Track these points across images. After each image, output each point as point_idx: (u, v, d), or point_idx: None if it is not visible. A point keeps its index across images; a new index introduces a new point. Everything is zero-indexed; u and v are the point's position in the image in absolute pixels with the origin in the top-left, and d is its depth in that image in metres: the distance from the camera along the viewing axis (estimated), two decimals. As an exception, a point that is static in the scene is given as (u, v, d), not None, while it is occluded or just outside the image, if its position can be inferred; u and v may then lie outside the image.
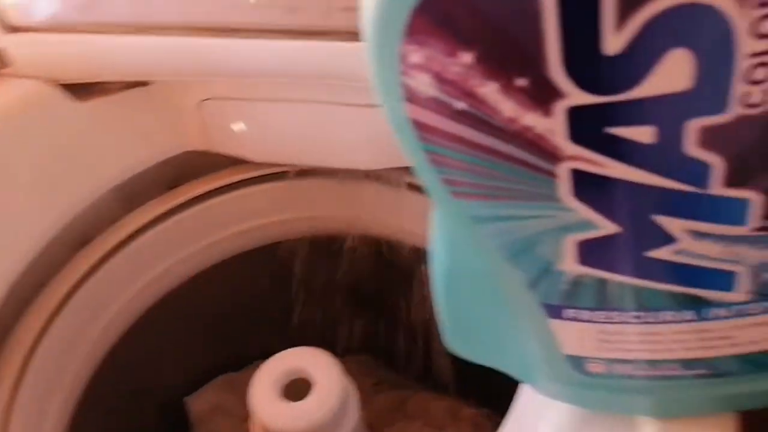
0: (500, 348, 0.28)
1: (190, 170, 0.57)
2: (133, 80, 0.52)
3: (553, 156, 0.18)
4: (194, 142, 0.55)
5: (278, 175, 0.57)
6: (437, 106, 0.18)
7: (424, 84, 0.18)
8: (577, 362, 0.25)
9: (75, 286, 0.52)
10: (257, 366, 0.56)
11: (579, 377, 0.26)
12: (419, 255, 0.60)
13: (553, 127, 0.17)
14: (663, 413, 0.27)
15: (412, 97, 0.18)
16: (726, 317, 0.22)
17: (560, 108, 0.17)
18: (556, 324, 0.24)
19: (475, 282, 0.25)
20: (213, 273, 0.60)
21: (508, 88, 0.17)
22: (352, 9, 0.43)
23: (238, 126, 0.54)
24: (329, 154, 0.54)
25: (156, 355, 0.61)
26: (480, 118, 0.18)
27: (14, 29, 0.49)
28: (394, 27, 0.17)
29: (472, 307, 0.27)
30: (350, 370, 0.54)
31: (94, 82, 0.50)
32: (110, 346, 0.55)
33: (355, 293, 0.65)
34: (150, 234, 0.55)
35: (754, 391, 0.25)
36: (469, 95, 0.17)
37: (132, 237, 0.54)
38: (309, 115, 0.52)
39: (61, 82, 0.50)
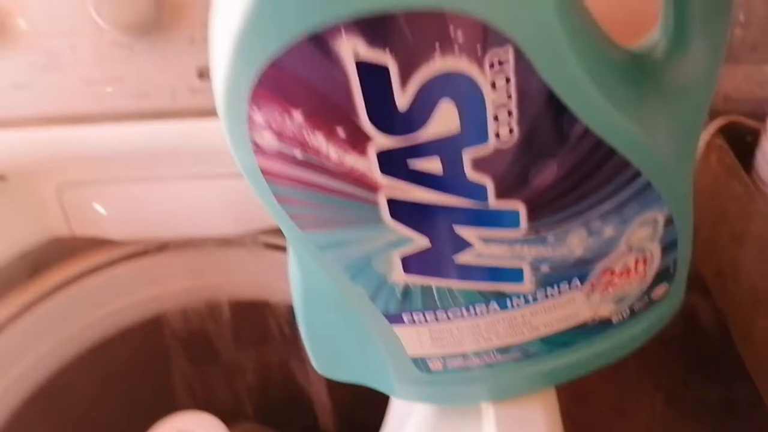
0: (359, 363, 0.32)
1: (55, 256, 0.58)
2: None
3: (372, 188, 0.23)
4: (55, 228, 0.57)
5: (143, 252, 0.60)
6: (280, 155, 0.23)
7: (267, 139, 0.22)
8: (420, 362, 0.30)
9: None
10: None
11: (424, 376, 0.31)
12: (287, 310, 0.64)
13: (369, 165, 0.22)
14: (497, 396, 0.32)
15: (259, 150, 0.23)
16: (523, 305, 0.28)
17: (371, 150, 0.22)
18: (398, 329, 0.29)
19: (328, 303, 0.30)
20: (89, 357, 0.60)
21: (331, 137, 0.22)
22: (197, 90, 0.48)
23: (98, 208, 0.56)
24: (189, 225, 0.57)
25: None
26: (314, 163, 0.23)
27: None
28: (240, 97, 0.22)
29: (330, 326, 0.31)
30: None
31: None
32: None
33: (234, 357, 0.67)
34: (15, 327, 0.55)
35: (559, 366, 0.31)
36: (303, 145, 0.22)
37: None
38: (166, 191, 0.55)
39: None
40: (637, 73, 0.25)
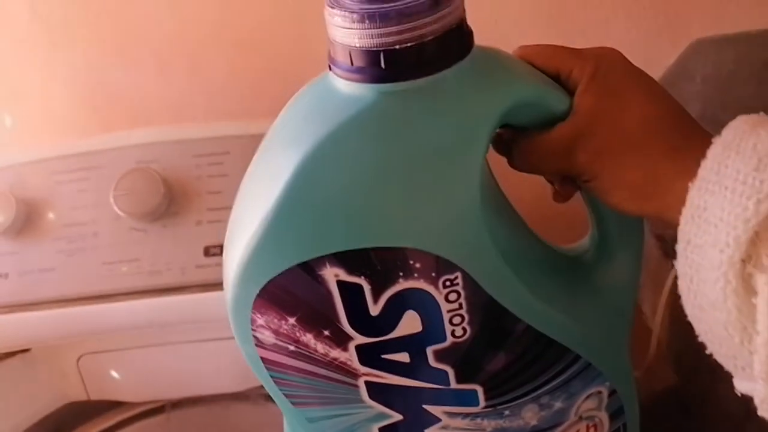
0: None
1: (72, 418, 0.62)
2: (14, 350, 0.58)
3: (353, 374, 0.28)
4: (73, 394, 0.61)
5: (155, 410, 0.64)
6: (277, 348, 0.28)
7: (267, 336, 0.28)
8: None
9: None
10: None
11: None
12: None
13: (350, 357, 0.28)
14: None
15: (260, 344, 0.28)
16: (488, 470, 0.32)
17: (352, 346, 0.27)
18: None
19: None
20: None
21: (319, 336, 0.27)
22: (204, 266, 0.55)
23: (114, 374, 0.61)
24: (197, 384, 0.62)
25: None
26: (305, 354, 0.28)
27: None
28: (246, 305, 0.27)
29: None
30: None
31: None
32: None
33: None
34: None
35: None
36: (296, 341, 0.28)
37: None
38: (177, 354, 0.60)
39: None
40: (570, 273, 0.31)
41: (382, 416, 0.30)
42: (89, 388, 0.61)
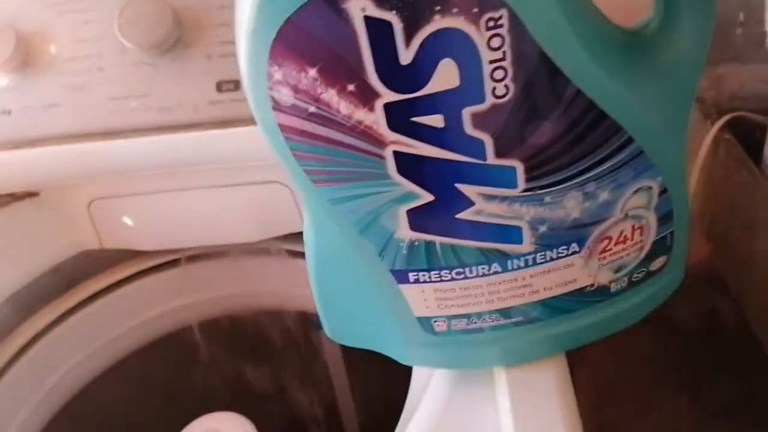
0: (369, 328, 0.34)
1: (85, 269, 0.61)
2: (23, 192, 0.56)
3: (379, 142, 0.25)
4: (86, 242, 0.59)
5: (171, 262, 0.62)
6: (296, 110, 0.25)
7: (285, 95, 0.25)
8: (427, 323, 0.32)
9: None
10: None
11: (430, 338, 0.33)
12: (312, 321, 0.66)
13: (376, 119, 0.25)
14: (505, 361, 0.33)
15: (277, 106, 0.25)
16: (522, 267, 0.30)
17: (379, 105, 0.24)
18: (404, 289, 0.31)
19: (339, 263, 0.31)
20: (121, 366, 0.62)
21: (342, 92, 0.24)
22: (216, 102, 0.52)
23: (127, 221, 0.59)
24: (213, 233, 0.59)
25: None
26: (326, 117, 0.25)
27: None
28: (261, 55, 0.24)
29: (339, 288, 0.33)
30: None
31: None
32: None
33: (261, 372, 0.69)
34: (48, 339, 0.58)
35: (562, 332, 0.33)
36: (317, 100, 0.25)
37: (31, 343, 0.56)
38: (192, 200, 0.58)
39: None
40: (630, 47, 0.28)
41: (411, 196, 0.27)
42: (102, 235, 0.59)
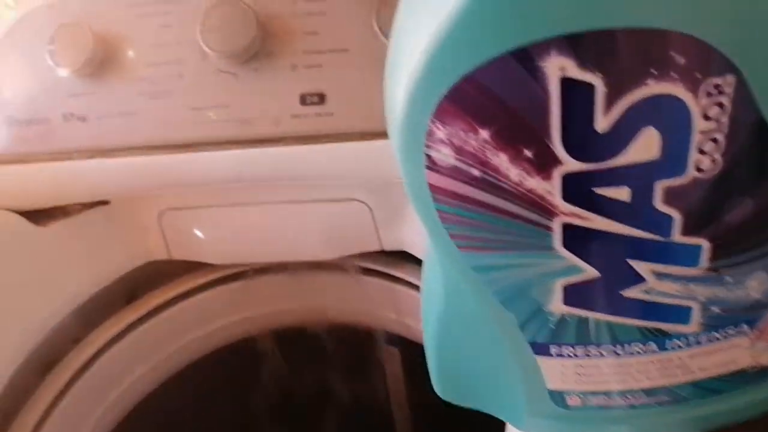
0: (487, 390, 0.31)
1: (150, 279, 0.59)
2: (94, 201, 0.53)
3: (549, 212, 0.22)
4: (155, 252, 0.57)
5: (237, 275, 0.59)
6: (455, 173, 0.22)
7: (445, 155, 0.22)
8: (558, 396, 0.29)
9: (44, 414, 0.51)
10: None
11: (560, 411, 0.29)
12: (377, 338, 0.63)
13: (551, 189, 0.21)
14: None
15: (433, 166, 0.22)
16: (682, 347, 0.26)
17: (557, 173, 0.21)
18: (542, 361, 0.27)
19: (467, 326, 0.28)
20: (181, 378, 0.60)
21: (517, 158, 0.21)
22: (299, 116, 0.49)
23: (197, 233, 0.56)
24: (286, 249, 0.57)
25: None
26: (491, 182, 0.22)
27: None
28: (424, 109, 0.21)
29: (463, 350, 0.30)
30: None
31: (53, 207, 0.52)
32: None
33: (320, 383, 0.67)
34: (114, 350, 0.56)
35: (705, 413, 0.29)
36: (484, 164, 0.21)
37: (96, 356, 0.55)
38: (264, 215, 0.55)
39: (20, 210, 0.51)
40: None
41: (573, 270, 0.24)
42: (171, 246, 0.57)
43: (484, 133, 0.21)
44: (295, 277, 0.59)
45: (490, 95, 0.20)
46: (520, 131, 0.20)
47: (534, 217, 0.22)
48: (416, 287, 0.57)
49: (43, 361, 0.53)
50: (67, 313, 0.53)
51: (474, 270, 0.25)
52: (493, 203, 0.22)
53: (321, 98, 0.49)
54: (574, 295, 0.25)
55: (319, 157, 0.49)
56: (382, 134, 0.48)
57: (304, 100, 0.49)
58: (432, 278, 0.28)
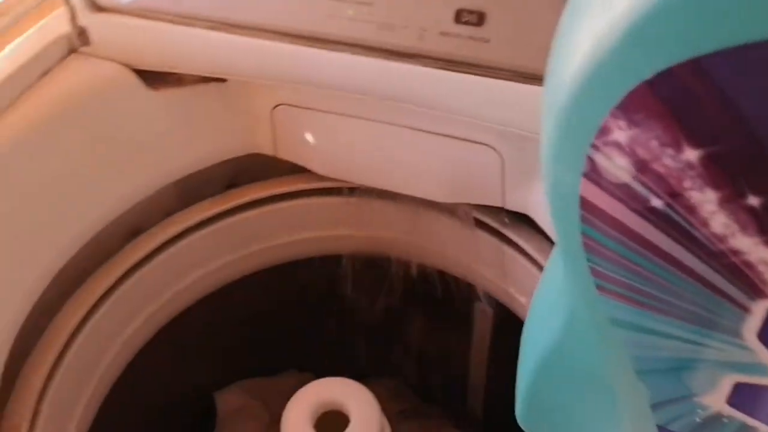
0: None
1: (250, 171, 0.55)
2: (210, 75, 0.49)
3: (755, 289, 0.14)
4: (261, 145, 0.52)
5: (339, 189, 0.54)
6: (623, 193, 0.15)
7: (617, 166, 0.14)
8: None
9: (119, 279, 0.49)
10: (284, 376, 0.52)
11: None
12: (473, 293, 0.57)
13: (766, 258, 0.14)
14: None
15: (593, 175, 0.15)
16: None
17: (791, 241, 0.13)
18: (665, 450, 0.20)
19: (578, 374, 0.22)
20: (256, 278, 0.57)
21: (732, 202, 0.13)
22: (449, 35, 0.41)
23: (308, 136, 0.51)
24: (399, 179, 0.50)
25: (189, 353, 0.59)
26: (676, 223, 0.14)
27: (99, 9, 0.46)
28: (607, 93, 0.13)
29: (562, 394, 0.23)
30: (379, 394, 0.51)
31: (169, 72, 0.48)
32: (144, 341, 0.52)
33: (396, 318, 0.62)
34: (204, 232, 0.52)
35: None
36: (675, 195, 0.14)
37: (184, 234, 0.52)
38: (382, 136, 0.49)
39: (136, 68, 0.47)
40: None
41: (757, 369, 0.16)
42: (278, 143, 0.52)
43: (693, 153, 0.13)
44: (400, 207, 0.53)
45: (723, 98, 0.12)
46: (753, 165, 0.13)
47: (730, 289, 0.15)
48: (529, 257, 0.50)
49: (130, 227, 0.52)
50: (163, 186, 0.51)
51: (612, 323, 0.18)
52: (673, 253, 0.15)
53: (480, 18, 0.41)
54: (746, 396, 0.17)
55: (461, 89, 0.41)
56: (542, 79, 0.40)
57: (459, 16, 0.41)
58: (548, 302, 0.21)
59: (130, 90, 0.48)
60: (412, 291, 0.60)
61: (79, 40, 0.48)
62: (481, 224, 0.51)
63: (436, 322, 0.64)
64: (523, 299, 0.52)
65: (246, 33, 0.44)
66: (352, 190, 0.54)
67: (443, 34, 0.41)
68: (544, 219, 0.46)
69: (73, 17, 0.47)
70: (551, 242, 0.47)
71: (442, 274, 0.58)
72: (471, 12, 0.41)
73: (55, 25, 0.48)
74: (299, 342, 0.63)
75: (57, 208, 0.45)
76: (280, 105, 0.50)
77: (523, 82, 0.40)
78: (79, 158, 0.46)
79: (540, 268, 0.49)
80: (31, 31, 0.49)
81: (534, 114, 0.40)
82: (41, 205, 0.45)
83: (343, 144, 0.50)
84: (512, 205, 0.48)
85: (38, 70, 0.46)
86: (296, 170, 0.54)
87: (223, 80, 0.49)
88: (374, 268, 0.58)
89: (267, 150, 0.52)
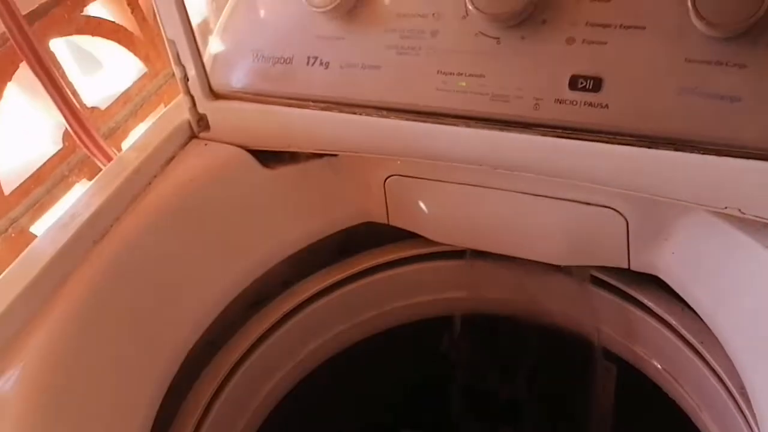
0: None
1: (362, 238, 0.56)
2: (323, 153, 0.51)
3: None
4: (374, 214, 0.53)
5: (454, 252, 0.54)
6: None
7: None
8: None
9: (248, 351, 0.51)
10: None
11: None
12: (594, 352, 0.55)
13: None
14: None
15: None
16: None
17: None
18: None
19: None
20: (376, 342, 0.58)
21: None
22: (565, 102, 0.40)
23: (421, 205, 0.51)
24: (517, 243, 0.49)
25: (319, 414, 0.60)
26: None
27: (217, 96, 0.49)
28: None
29: None
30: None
31: (282, 150, 0.50)
32: (269, 410, 0.54)
33: (523, 378, 0.61)
34: (323, 301, 0.54)
35: None
36: None
37: (304, 304, 0.54)
38: (498, 202, 0.48)
39: (253, 149, 0.49)
40: None
41: None
42: (391, 212, 0.52)
43: None
44: (515, 266, 0.52)
45: None
46: None
47: None
48: (656, 315, 0.48)
49: (250, 298, 0.53)
50: (280, 260, 0.52)
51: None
52: None
53: (597, 84, 0.40)
54: None
55: (581, 156, 0.40)
56: (664, 141, 0.38)
57: (575, 83, 0.40)
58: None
59: (247, 171, 0.49)
60: (528, 350, 0.58)
61: (198, 126, 0.50)
62: (598, 281, 0.50)
63: (554, 379, 0.62)
64: (654, 361, 0.50)
65: (358, 111, 0.45)
66: (464, 253, 0.53)
67: (559, 101, 0.41)
68: (676, 279, 0.44)
69: (193, 105, 0.49)
70: (682, 301, 0.45)
71: (561, 332, 0.56)
72: (587, 77, 0.40)
73: (175, 113, 0.51)
74: (418, 403, 0.63)
75: (183, 290, 0.47)
76: (392, 176, 0.50)
77: (647, 147, 0.38)
78: (203, 240, 0.48)
79: (670, 328, 0.47)
80: (153, 119, 0.52)
81: (659, 178, 0.39)
82: (169, 287, 0.47)
83: (457, 211, 0.50)
84: (638, 266, 0.46)
85: (163, 158, 0.49)
86: (407, 235, 0.54)
87: (335, 154, 0.50)
88: (489, 328, 0.58)
89: (380, 219, 0.53)
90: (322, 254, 0.56)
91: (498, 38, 0.42)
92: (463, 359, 0.60)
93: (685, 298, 0.44)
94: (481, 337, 0.59)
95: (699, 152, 0.37)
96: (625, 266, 0.46)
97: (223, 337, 0.52)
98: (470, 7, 0.41)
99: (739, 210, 0.38)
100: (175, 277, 0.47)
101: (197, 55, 0.48)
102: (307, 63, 0.47)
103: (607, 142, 0.39)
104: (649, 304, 0.47)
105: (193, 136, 0.51)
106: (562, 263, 0.48)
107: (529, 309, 0.56)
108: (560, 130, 0.40)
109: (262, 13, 0.50)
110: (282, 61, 0.48)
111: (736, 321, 0.40)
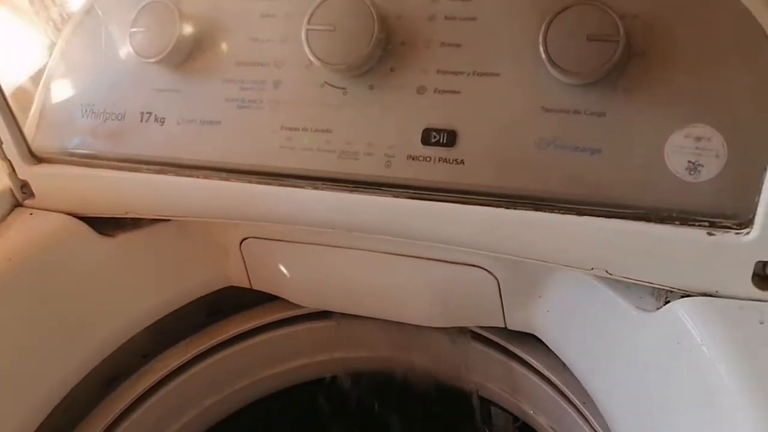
0: None
1: (232, 299, 0.51)
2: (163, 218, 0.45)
3: None
4: (234, 279, 0.48)
5: (324, 313, 0.50)
6: None
7: None
8: None
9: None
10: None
11: None
12: (472, 401, 0.52)
13: None
14: None
15: None
16: None
17: None
18: None
19: None
20: (249, 412, 0.53)
21: None
22: (418, 159, 0.36)
23: (281, 268, 0.46)
24: (386, 306, 0.45)
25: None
26: None
27: (37, 160, 0.43)
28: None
29: None
30: None
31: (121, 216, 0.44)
32: None
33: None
34: (186, 375, 0.49)
35: None
36: None
37: (166, 379, 0.48)
38: (360, 263, 0.44)
39: (86, 216, 0.44)
40: None
41: None
42: (252, 275, 0.48)
43: None
44: (387, 326, 0.48)
45: None
46: None
47: None
48: (538, 372, 0.45)
49: (108, 374, 0.47)
50: (136, 332, 0.47)
51: None
52: None
53: (451, 138, 0.36)
54: None
55: (437, 218, 0.37)
56: (523, 200, 0.35)
57: (428, 137, 0.36)
58: None
59: (80, 241, 0.43)
60: (416, 407, 0.54)
61: (23, 194, 0.44)
62: (477, 336, 0.46)
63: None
64: (541, 419, 0.46)
65: (195, 174, 0.40)
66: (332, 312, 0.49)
67: (411, 158, 0.37)
68: (552, 338, 0.41)
69: (12, 171, 0.43)
70: (559, 359, 0.42)
71: (448, 390, 0.52)
72: (440, 130, 0.36)
73: (-4, 180, 0.44)
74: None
75: (24, 368, 0.41)
76: (248, 238, 0.45)
77: (506, 207, 0.35)
78: (37, 319, 0.42)
79: (553, 387, 0.44)
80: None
81: (520, 240, 0.35)
82: (7, 366, 0.41)
83: (318, 274, 0.45)
84: (515, 326, 0.43)
85: (-20, 230, 0.42)
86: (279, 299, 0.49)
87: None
88: (367, 386, 0.54)
89: (241, 283, 0.48)
90: (189, 319, 0.50)
91: (345, 88, 0.38)
92: (343, 420, 0.56)
93: (562, 359, 0.41)
94: (358, 396, 0.55)
95: (559, 212, 0.34)
96: (502, 325, 0.43)
97: (72, 419, 0.46)
98: (311, 57, 0.37)
99: (606, 271, 0.35)
100: (11, 358, 0.41)
101: (10, 117, 0.42)
102: (141, 119, 0.42)
103: (464, 203, 0.35)
104: (531, 361, 0.44)
105: (17, 205, 0.44)
106: (435, 325, 0.45)
107: (406, 366, 0.52)
108: (414, 191, 0.36)
109: (90, 64, 0.44)
110: (113, 117, 0.43)
111: (610, 386, 0.37)
